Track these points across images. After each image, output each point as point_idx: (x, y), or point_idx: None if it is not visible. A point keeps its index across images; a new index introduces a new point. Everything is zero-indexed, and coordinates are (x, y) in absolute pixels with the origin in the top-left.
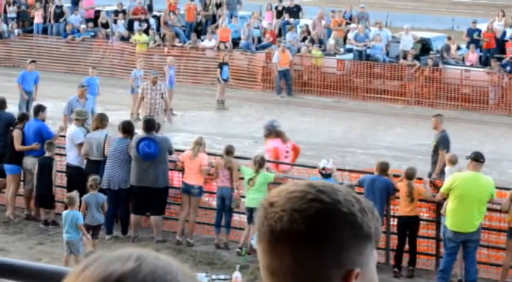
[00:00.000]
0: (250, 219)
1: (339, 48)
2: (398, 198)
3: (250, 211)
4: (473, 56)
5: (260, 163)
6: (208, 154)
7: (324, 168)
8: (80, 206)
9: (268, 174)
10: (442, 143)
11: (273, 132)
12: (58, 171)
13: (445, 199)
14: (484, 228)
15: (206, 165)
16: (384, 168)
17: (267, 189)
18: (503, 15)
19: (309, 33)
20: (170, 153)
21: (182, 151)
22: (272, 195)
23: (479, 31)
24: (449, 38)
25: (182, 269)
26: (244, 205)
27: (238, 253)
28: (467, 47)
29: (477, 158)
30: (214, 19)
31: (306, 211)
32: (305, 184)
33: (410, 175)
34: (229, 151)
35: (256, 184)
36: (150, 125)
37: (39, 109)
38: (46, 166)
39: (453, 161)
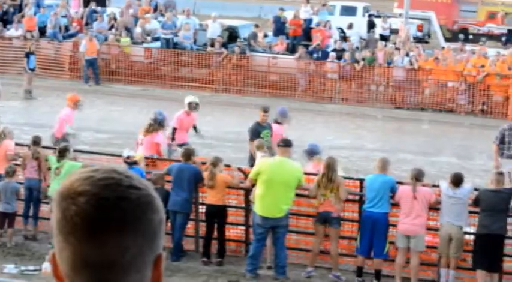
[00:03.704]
0: None
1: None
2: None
3: None
4: (280, 43)
5: (60, 152)
6: (16, 144)
7: (128, 157)
8: None
9: (75, 163)
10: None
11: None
12: None
13: (254, 185)
14: (292, 213)
15: (12, 151)
16: (187, 154)
17: None
18: (308, 2)
19: (115, 20)
20: None
21: None
22: (77, 183)
23: (286, 19)
24: (256, 26)
25: None
26: (48, 193)
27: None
28: (274, 35)
29: (278, 143)
30: (20, 8)
31: (129, 199)
32: (109, 170)
33: (215, 162)
34: (36, 141)
35: (63, 173)
36: None
37: None
38: None
39: (260, 147)
